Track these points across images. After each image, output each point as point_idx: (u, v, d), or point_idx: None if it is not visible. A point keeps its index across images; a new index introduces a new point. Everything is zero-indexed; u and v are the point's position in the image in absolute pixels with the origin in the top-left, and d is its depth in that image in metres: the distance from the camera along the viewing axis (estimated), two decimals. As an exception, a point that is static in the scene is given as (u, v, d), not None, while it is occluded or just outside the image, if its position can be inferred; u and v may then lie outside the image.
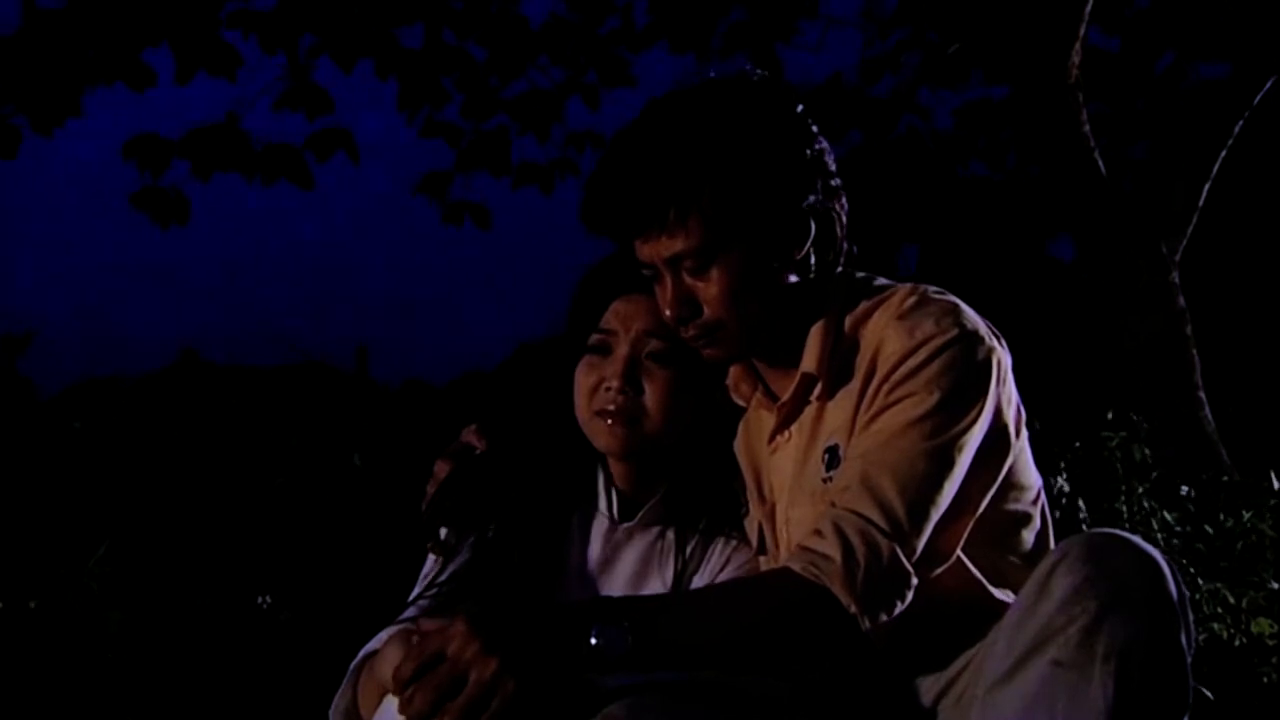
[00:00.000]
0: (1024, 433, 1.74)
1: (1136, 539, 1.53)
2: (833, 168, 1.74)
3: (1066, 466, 3.47)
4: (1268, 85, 4.88)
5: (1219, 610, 3.18)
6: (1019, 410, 1.73)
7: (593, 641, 1.47)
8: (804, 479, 1.74)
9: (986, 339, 1.67)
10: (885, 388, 1.65)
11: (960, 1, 5.38)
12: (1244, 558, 3.36)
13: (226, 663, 3.09)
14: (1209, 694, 2.71)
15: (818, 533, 1.59)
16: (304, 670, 2.98)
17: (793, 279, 1.72)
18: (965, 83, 7.76)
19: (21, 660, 3.00)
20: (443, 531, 1.88)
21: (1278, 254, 8.01)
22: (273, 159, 6.73)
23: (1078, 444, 3.57)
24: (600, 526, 1.88)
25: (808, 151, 1.70)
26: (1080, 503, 3.36)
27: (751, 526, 1.85)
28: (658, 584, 1.85)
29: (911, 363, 1.63)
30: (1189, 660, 1.50)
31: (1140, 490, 3.44)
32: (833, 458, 1.70)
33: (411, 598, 1.85)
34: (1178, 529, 3.41)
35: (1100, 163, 4.86)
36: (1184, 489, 3.63)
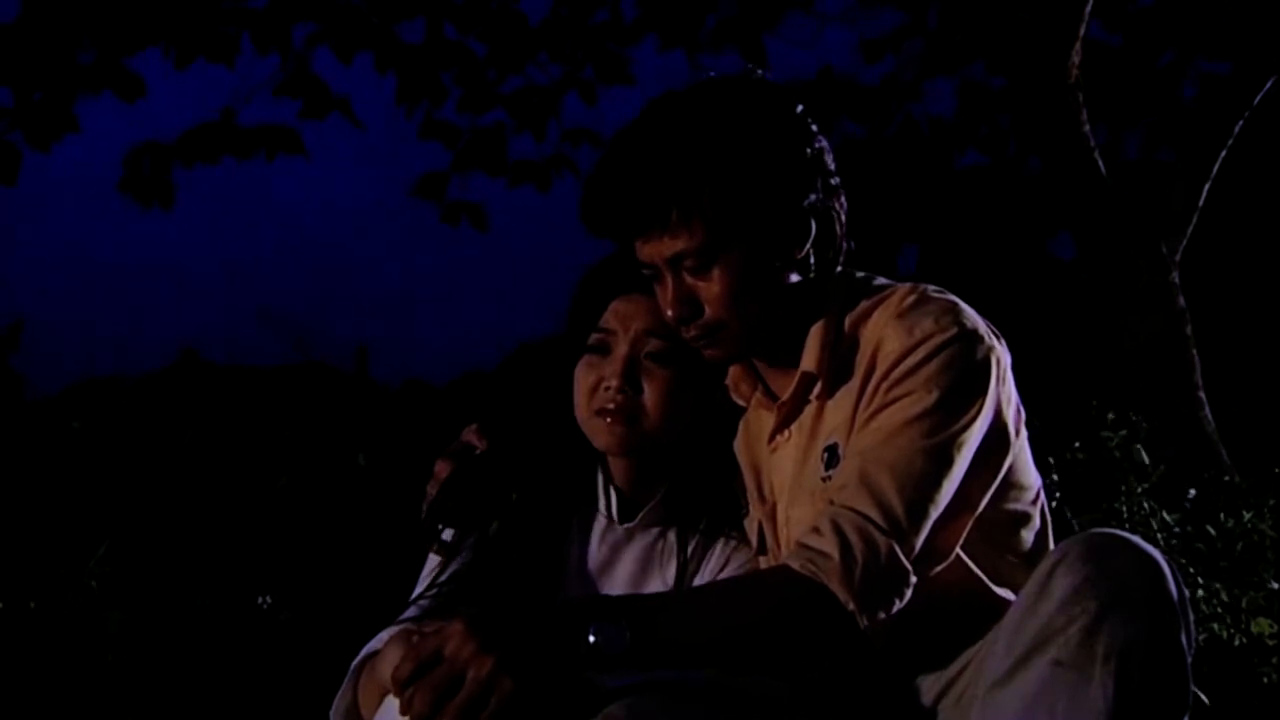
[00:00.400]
0: (1023, 432, 1.74)
1: (1136, 539, 1.53)
2: (832, 166, 1.74)
3: (1066, 466, 3.46)
4: (1268, 85, 4.88)
5: (1219, 610, 3.18)
6: (1019, 410, 1.73)
7: (591, 640, 1.47)
8: (804, 478, 1.74)
9: (986, 338, 1.67)
10: (884, 386, 1.65)
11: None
12: (1244, 558, 3.36)
13: (226, 663, 3.09)
14: (1205, 698, 2.71)
15: (816, 530, 1.59)
16: (304, 670, 2.98)
17: (793, 278, 1.73)
18: (968, 70, 7.75)
19: (21, 660, 3.00)
20: (444, 531, 1.88)
21: (1278, 254, 8.01)
22: (264, 138, 6.75)
23: (1077, 444, 3.56)
24: (600, 527, 1.88)
25: (808, 150, 1.71)
26: (1090, 503, 3.37)
27: (751, 526, 1.85)
28: (658, 584, 1.85)
29: (910, 361, 1.63)
30: (1189, 660, 1.50)
31: (1140, 490, 3.44)
32: (832, 456, 1.70)
33: (412, 598, 1.85)
34: (1178, 529, 3.41)
35: (1100, 163, 4.85)
36: (1185, 490, 3.63)
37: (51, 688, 2.94)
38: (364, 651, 1.74)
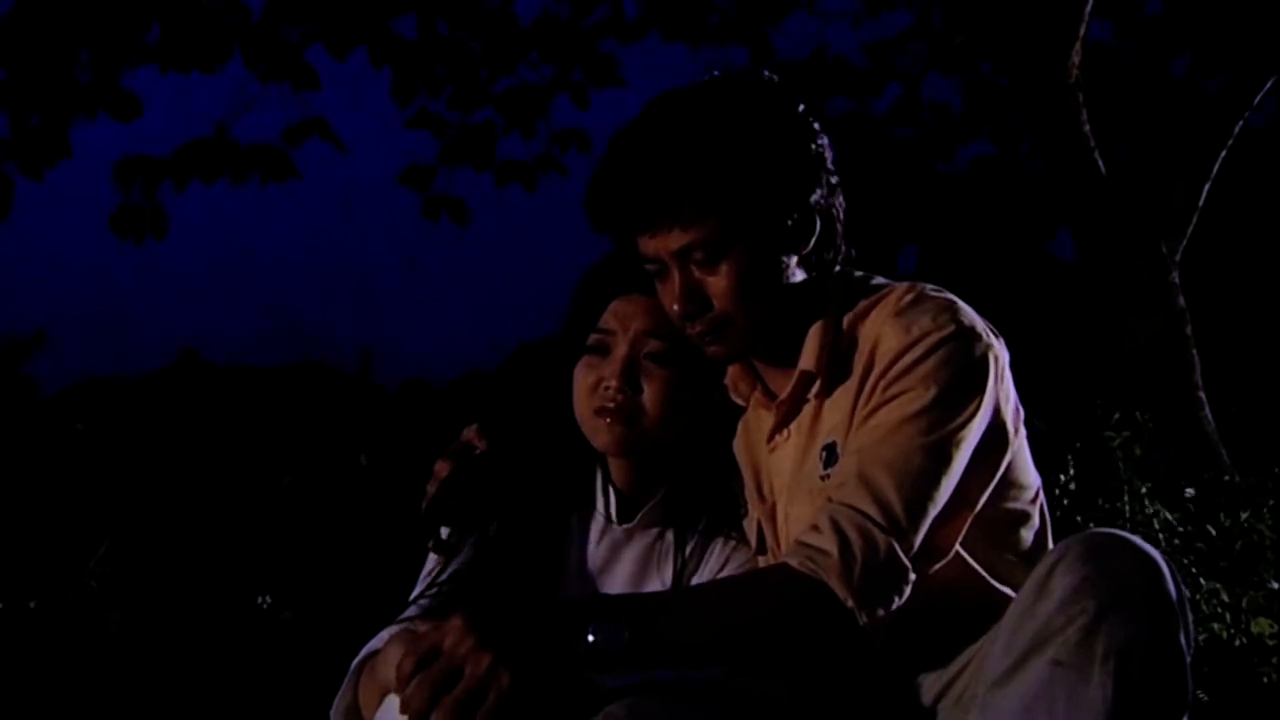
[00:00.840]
0: (1022, 431, 1.74)
1: (1136, 538, 1.53)
2: (832, 166, 1.75)
3: (1068, 466, 3.46)
4: (1268, 85, 4.88)
5: (1219, 610, 3.18)
6: (1017, 408, 1.73)
7: (590, 638, 1.47)
8: (803, 477, 1.74)
9: (984, 335, 1.67)
10: (882, 384, 1.65)
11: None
12: (1244, 558, 3.36)
13: (226, 663, 3.09)
14: (1204, 696, 2.71)
15: (815, 528, 1.59)
16: (304, 670, 2.98)
17: (797, 276, 1.73)
18: (973, 74, 7.74)
19: (21, 660, 3.00)
20: (443, 531, 1.88)
21: (1278, 254, 8.01)
22: (256, 159, 6.73)
23: (1079, 444, 3.56)
24: (599, 527, 1.88)
25: (813, 147, 1.72)
26: (1092, 502, 3.36)
27: (751, 526, 1.85)
28: (657, 584, 1.85)
29: (908, 359, 1.64)
30: (1188, 660, 1.50)
31: (1142, 490, 3.44)
32: (831, 455, 1.70)
33: (412, 597, 1.85)
34: (1179, 529, 3.41)
35: (1100, 163, 4.86)
36: (1187, 490, 3.63)
37: (51, 688, 2.94)
38: (364, 651, 1.74)
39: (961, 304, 1.70)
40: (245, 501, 3.84)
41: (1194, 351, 4.78)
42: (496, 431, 1.96)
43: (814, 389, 1.74)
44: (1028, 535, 1.75)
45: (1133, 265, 4.82)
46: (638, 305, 1.81)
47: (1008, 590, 1.69)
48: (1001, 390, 1.69)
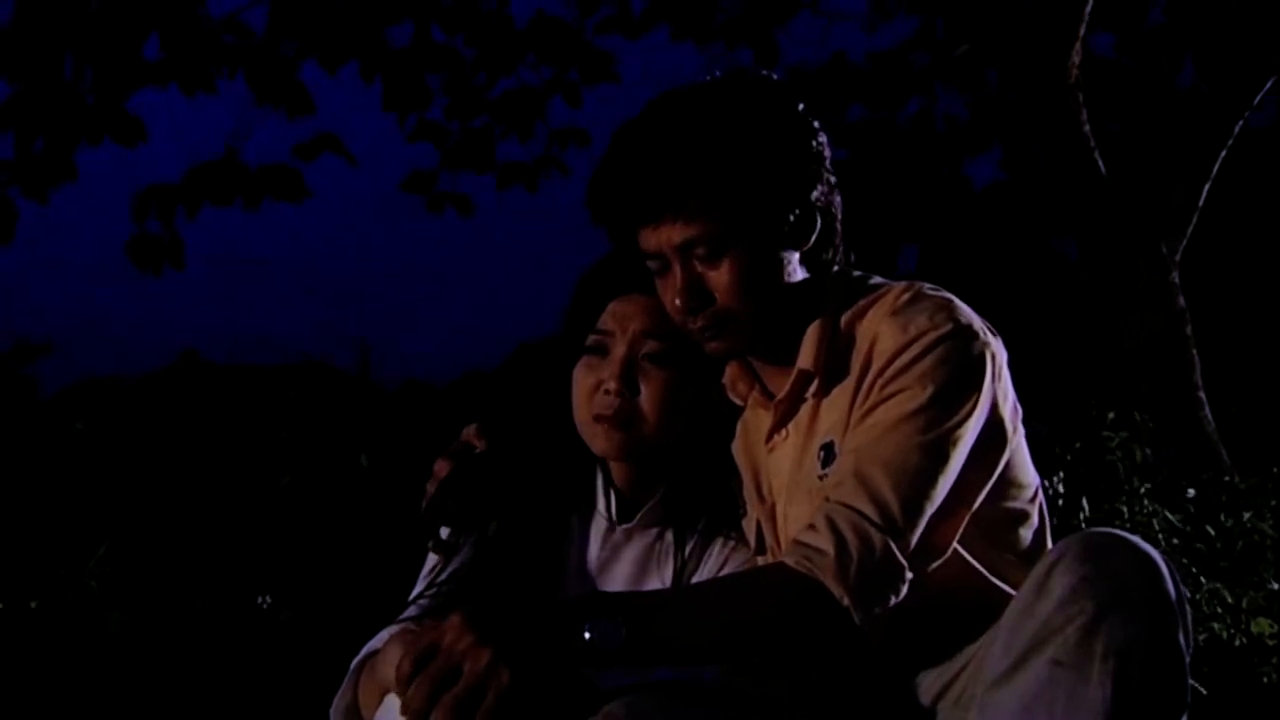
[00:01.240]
0: (1020, 430, 1.74)
1: (1135, 538, 1.53)
2: (830, 164, 1.76)
3: (1067, 466, 3.47)
4: (1268, 85, 4.88)
5: (1219, 610, 3.18)
6: (1015, 407, 1.73)
7: (586, 636, 1.47)
8: (801, 477, 1.74)
9: (981, 334, 1.67)
10: (879, 383, 1.65)
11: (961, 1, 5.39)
12: (1244, 558, 3.36)
13: (226, 663, 3.09)
14: (1203, 690, 2.70)
15: (811, 527, 1.59)
16: (304, 670, 2.98)
17: (797, 273, 1.74)
18: (979, 86, 7.75)
19: (21, 660, 3.00)
20: (443, 531, 1.89)
21: (1278, 254, 8.01)
22: (265, 179, 6.72)
23: (1078, 444, 3.57)
24: (599, 527, 1.88)
25: (813, 144, 1.72)
26: (1084, 501, 3.36)
27: (750, 526, 1.85)
28: (656, 584, 1.85)
29: (905, 358, 1.64)
30: (1187, 660, 1.50)
31: (1142, 490, 3.44)
32: (829, 454, 1.70)
33: (412, 597, 1.85)
34: (1178, 529, 3.41)
35: (1100, 163, 4.86)
36: (1189, 491, 3.63)
37: (51, 688, 2.94)
38: (364, 651, 1.74)
39: (959, 303, 1.70)
40: (245, 501, 3.84)
41: (1194, 351, 4.79)
42: (496, 431, 1.96)
43: (812, 388, 1.74)
44: (1027, 534, 1.75)
45: (1133, 265, 4.82)
46: (636, 306, 1.81)
47: (1007, 589, 1.69)
48: (999, 389, 1.69)
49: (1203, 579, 3.23)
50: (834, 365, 1.73)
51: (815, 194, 1.72)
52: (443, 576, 1.83)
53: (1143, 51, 7.34)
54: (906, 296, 1.70)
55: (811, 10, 7.18)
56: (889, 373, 1.64)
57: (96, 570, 3.23)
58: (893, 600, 1.58)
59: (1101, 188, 4.86)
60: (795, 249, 1.73)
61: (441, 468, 1.94)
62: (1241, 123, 4.89)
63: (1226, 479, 3.98)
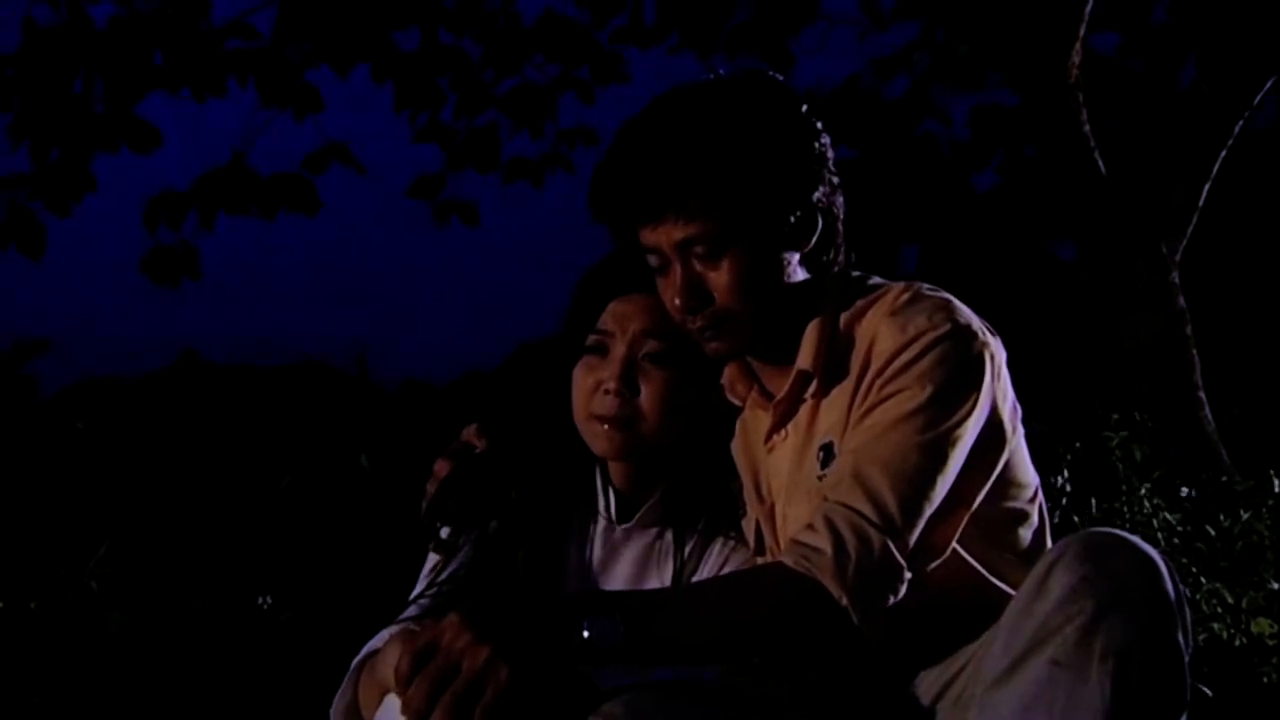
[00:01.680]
0: (1020, 429, 1.74)
1: (1134, 538, 1.53)
2: (833, 166, 1.75)
3: (1067, 466, 3.47)
4: (1268, 85, 4.88)
5: (1219, 610, 3.18)
6: (1015, 406, 1.73)
7: (584, 633, 1.47)
8: (800, 477, 1.74)
9: (980, 334, 1.67)
10: (878, 383, 1.65)
11: (960, 1, 5.39)
12: (1244, 558, 3.36)
13: (226, 663, 3.09)
14: (1208, 691, 2.70)
15: (810, 527, 1.60)
16: (304, 670, 2.98)
17: (798, 274, 1.74)
18: (980, 86, 7.76)
19: (21, 660, 3.00)
20: (443, 531, 1.89)
21: (1278, 254, 8.01)
22: (278, 189, 6.71)
23: (1078, 444, 3.56)
24: (599, 527, 1.88)
25: (816, 145, 1.72)
26: (1091, 501, 3.36)
27: (749, 527, 1.85)
28: (656, 584, 1.85)
29: (904, 358, 1.64)
30: (1187, 660, 1.50)
31: (1142, 490, 3.44)
32: (828, 455, 1.70)
33: (412, 597, 1.85)
34: (1178, 529, 3.41)
35: (1100, 163, 4.86)
36: (1184, 490, 3.63)
37: (51, 688, 2.94)
38: (364, 651, 1.74)
39: (957, 303, 1.70)
40: (245, 501, 3.83)
41: (1194, 351, 4.79)
42: (496, 431, 1.96)
43: (811, 389, 1.74)
44: (1026, 534, 1.75)
45: (1133, 265, 4.82)
46: (636, 306, 1.81)
47: (1007, 589, 1.69)
48: (998, 388, 1.69)
49: (1203, 579, 3.23)
50: (833, 366, 1.73)
51: (817, 195, 1.72)
52: (443, 576, 1.83)
53: (1145, 51, 7.34)
54: (905, 297, 1.70)
55: (811, 21, 7.20)
56: (888, 373, 1.64)
57: (96, 570, 3.22)
58: (891, 600, 1.58)
59: (1101, 188, 4.86)
60: (795, 250, 1.73)
61: (441, 468, 1.94)
62: (1241, 123, 4.90)
63: (1226, 479, 3.98)
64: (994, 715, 1.51)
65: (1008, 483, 1.72)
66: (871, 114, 7.98)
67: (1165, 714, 1.48)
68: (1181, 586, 1.52)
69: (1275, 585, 3.27)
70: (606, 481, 1.88)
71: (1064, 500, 3.35)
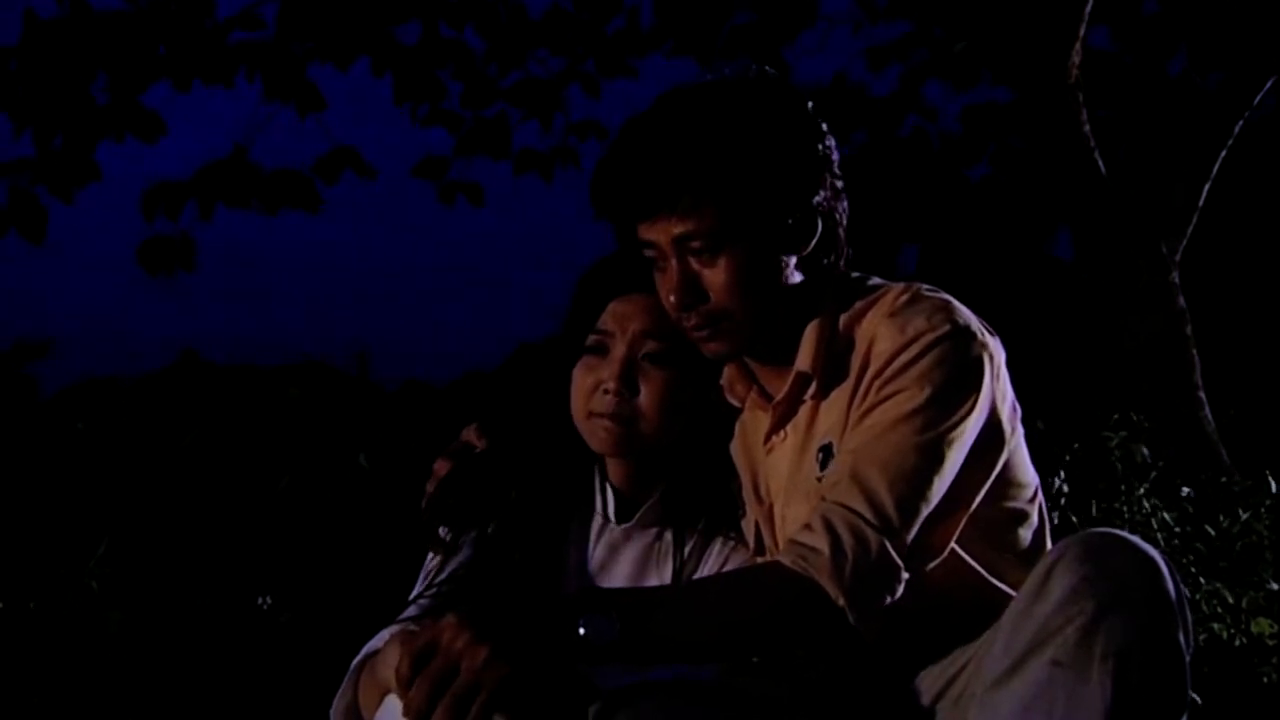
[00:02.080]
0: (1019, 430, 1.74)
1: (1135, 538, 1.53)
2: (838, 169, 1.75)
3: (1066, 466, 3.46)
4: (1268, 85, 4.88)
5: (1219, 610, 3.18)
6: (1014, 407, 1.73)
7: (581, 631, 1.47)
8: (799, 478, 1.74)
9: (979, 335, 1.67)
10: (877, 384, 1.65)
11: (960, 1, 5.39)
12: (1244, 558, 3.36)
13: (226, 663, 3.09)
14: (1197, 699, 2.71)
15: (807, 527, 1.60)
16: (304, 670, 2.98)
17: (795, 276, 1.73)
18: (974, 83, 7.76)
19: (21, 660, 3.00)
20: (443, 531, 1.89)
21: (1278, 254, 8.01)
22: (280, 186, 6.70)
23: (1077, 444, 3.56)
24: (598, 527, 1.88)
25: (819, 148, 1.72)
26: (1090, 502, 3.36)
27: (748, 527, 1.85)
28: (655, 584, 1.85)
29: (903, 359, 1.64)
30: (1187, 660, 1.50)
31: (1141, 491, 3.44)
32: (827, 456, 1.70)
33: (412, 597, 1.85)
34: (1178, 529, 3.41)
35: (1100, 163, 4.86)
36: (1184, 490, 3.63)
37: (51, 688, 2.94)
38: (364, 651, 1.74)
39: (956, 304, 1.70)
40: (245, 501, 3.83)
41: (1194, 351, 4.79)
42: (496, 431, 1.96)
43: (810, 390, 1.74)
44: (1026, 534, 1.75)
45: (1133, 265, 4.82)
46: (636, 306, 1.81)
47: (1006, 589, 1.69)
48: (998, 389, 1.69)
49: (1202, 579, 3.23)
50: (832, 367, 1.72)
51: (818, 198, 1.71)
52: (442, 576, 1.83)
53: (1136, 42, 7.34)
54: (904, 298, 1.70)
55: (810, 25, 7.19)
56: (887, 374, 1.64)
57: (96, 570, 3.22)
58: (888, 600, 1.58)
59: (1101, 188, 4.86)
60: (794, 252, 1.72)
61: (441, 468, 1.94)
62: (1242, 122, 4.90)
63: (1225, 479, 3.98)
64: (994, 715, 1.52)
65: (1007, 483, 1.72)
66: (859, 109, 7.97)
67: (1166, 714, 1.48)
68: (1182, 587, 1.52)
69: (1275, 585, 3.27)
70: (606, 481, 1.88)
71: (1063, 500, 3.35)
